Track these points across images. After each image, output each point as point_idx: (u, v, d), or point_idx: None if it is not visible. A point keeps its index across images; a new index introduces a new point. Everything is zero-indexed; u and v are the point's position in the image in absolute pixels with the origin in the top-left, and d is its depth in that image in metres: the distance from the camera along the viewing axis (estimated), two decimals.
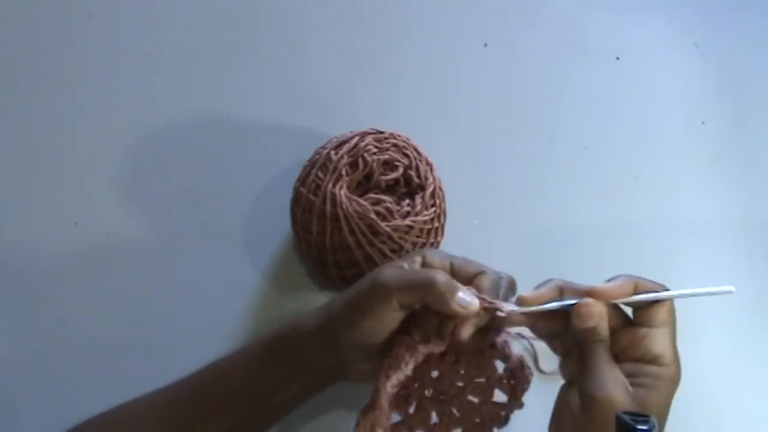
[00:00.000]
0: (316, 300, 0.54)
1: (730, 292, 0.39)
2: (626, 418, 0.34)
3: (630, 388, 0.39)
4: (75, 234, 0.55)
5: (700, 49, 0.68)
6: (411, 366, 0.41)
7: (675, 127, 0.65)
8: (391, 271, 0.41)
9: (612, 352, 0.41)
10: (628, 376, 0.40)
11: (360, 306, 0.41)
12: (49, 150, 0.57)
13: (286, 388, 0.44)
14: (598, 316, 0.40)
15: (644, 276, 0.42)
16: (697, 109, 0.65)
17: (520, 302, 0.41)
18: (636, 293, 0.41)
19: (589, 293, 0.41)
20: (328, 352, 0.43)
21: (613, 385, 0.39)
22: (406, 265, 0.43)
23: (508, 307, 0.41)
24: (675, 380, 0.40)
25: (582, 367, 0.40)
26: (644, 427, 0.33)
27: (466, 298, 0.40)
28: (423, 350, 0.41)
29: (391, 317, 0.41)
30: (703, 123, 0.65)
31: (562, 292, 0.42)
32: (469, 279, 0.43)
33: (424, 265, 0.43)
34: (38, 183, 0.56)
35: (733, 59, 0.68)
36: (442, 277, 0.40)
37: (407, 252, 0.50)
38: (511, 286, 0.44)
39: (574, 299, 0.41)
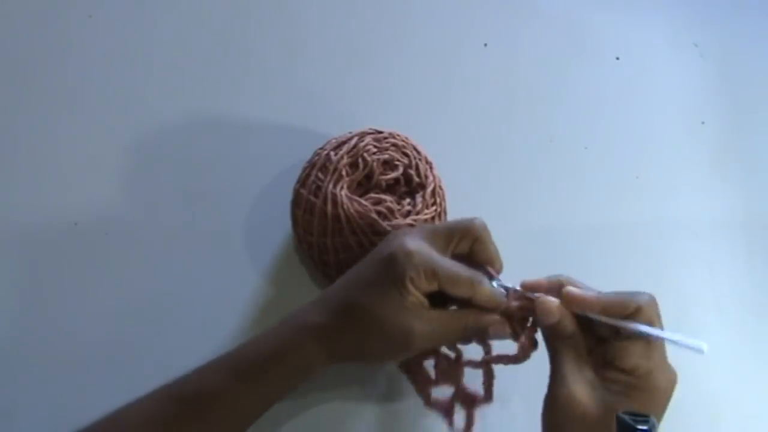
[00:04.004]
0: None
1: (701, 351, 0.38)
2: (626, 417, 0.34)
3: (600, 389, 0.39)
4: (75, 234, 0.55)
5: (700, 49, 0.68)
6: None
7: (675, 127, 0.65)
8: (423, 334, 0.41)
9: (604, 359, 0.41)
10: (607, 381, 0.40)
11: (388, 358, 0.43)
12: (49, 150, 0.57)
13: (282, 397, 0.43)
14: (555, 312, 0.40)
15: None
16: (697, 109, 0.65)
17: (523, 285, 0.44)
18: (605, 312, 0.40)
19: (561, 293, 0.41)
20: (328, 364, 0.43)
21: (577, 384, 0.39)
22: (398, 293, 0.41)
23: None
24: (657, 388, 0.40)
25: (551, 365, 0.41)
26: (644, 427, 0.33)
27: (501, 333, 0.43)
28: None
29: None
30: (703, 123, 0.65)
31: (561, 285, 0.42)
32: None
33: (415, 287, 0.41)
34: (38, 183, 0.56)
35: (733, 59, 0.68)
36: (471, 324, 0.42)
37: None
38: (486, 232, 0.45)
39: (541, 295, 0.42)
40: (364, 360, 0.44)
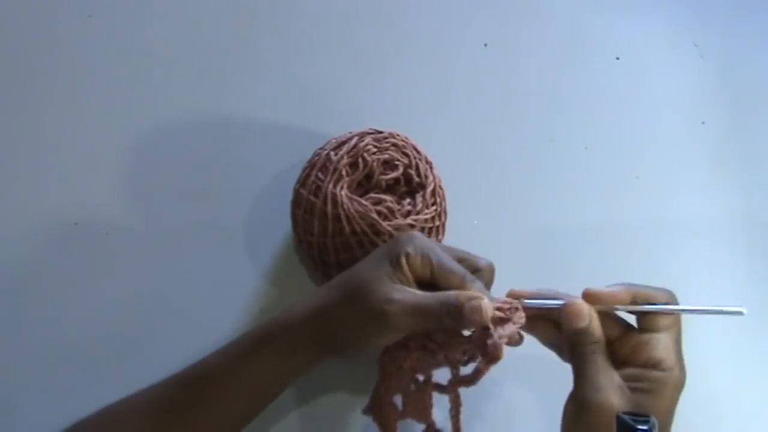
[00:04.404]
0: None
1: (740, 313, 0.38)
2: (626, 417, 0.34)
3: (628, 392, 0.39)
4: (75, 234, 0.55)
5: (700, 49, 0.68)
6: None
7: (675, 127, 0.65)
8: (400, 303, 0.41)
9: (616, 358, 0.41)
10: (629, 380, 0.39)
11: (366, 334, 0.42)
12: (49, 150, 0.57)
13: (277, 382, 0.44)
14: (586, 315, 0.40)
15: (643, 276, 0.42)
16: (697, 109, 0.65)
17: (511, 294, 0.43)
18: (634, 302, 0.40)
19: (582, 295, 0.41)
20: (321, 351, 0.43)
21: (609, 389, 0.39)
22: (389, 265, 0.42)
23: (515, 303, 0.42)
24: (678, 384, 0.40)
25: (577, 372, 0.40)
26: (644, 427, 0.33)
27: (476, 316, 0.40)
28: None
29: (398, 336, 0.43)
30: (703, 123, 0.65)
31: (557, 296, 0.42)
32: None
33: (409, 266, 0.42)
34: (38, 183, 0.56)
35: (733, 59, 0.68)
36: (452, 303, 0.41)
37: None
38: (491, 276, 0.45)
39: (566, 299, 0.41)
40: (344, 339, 0.43)
